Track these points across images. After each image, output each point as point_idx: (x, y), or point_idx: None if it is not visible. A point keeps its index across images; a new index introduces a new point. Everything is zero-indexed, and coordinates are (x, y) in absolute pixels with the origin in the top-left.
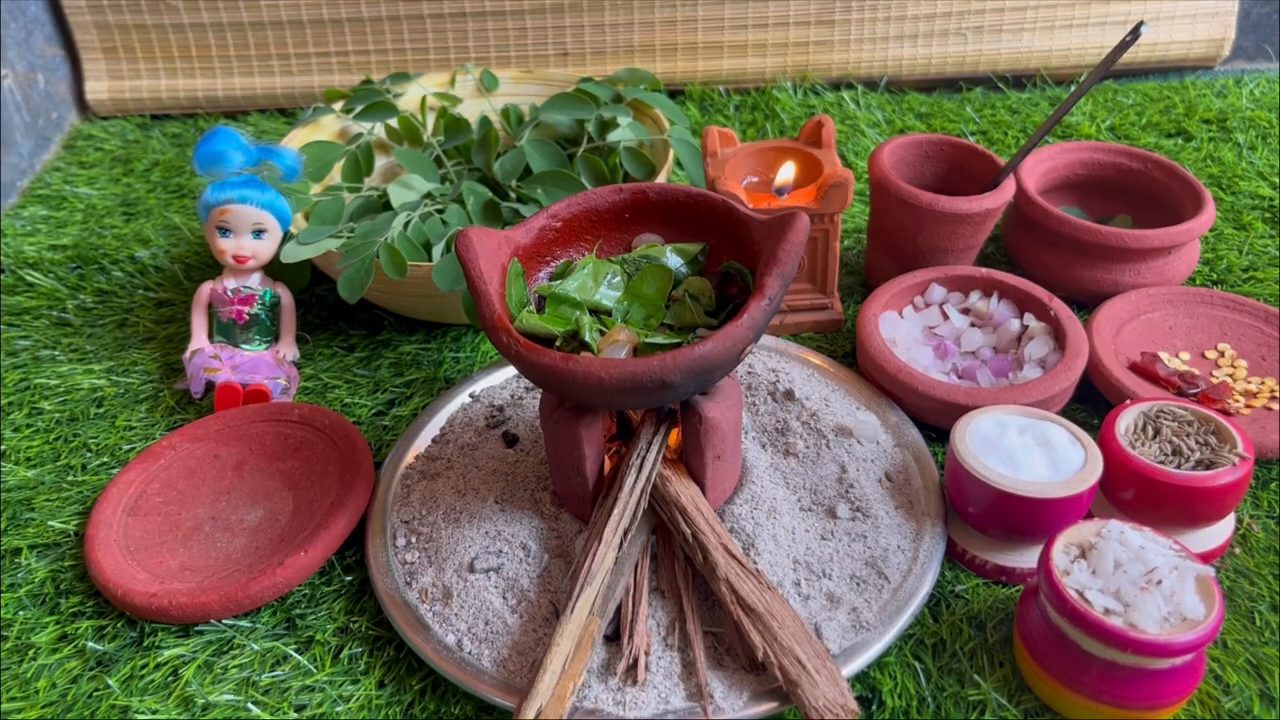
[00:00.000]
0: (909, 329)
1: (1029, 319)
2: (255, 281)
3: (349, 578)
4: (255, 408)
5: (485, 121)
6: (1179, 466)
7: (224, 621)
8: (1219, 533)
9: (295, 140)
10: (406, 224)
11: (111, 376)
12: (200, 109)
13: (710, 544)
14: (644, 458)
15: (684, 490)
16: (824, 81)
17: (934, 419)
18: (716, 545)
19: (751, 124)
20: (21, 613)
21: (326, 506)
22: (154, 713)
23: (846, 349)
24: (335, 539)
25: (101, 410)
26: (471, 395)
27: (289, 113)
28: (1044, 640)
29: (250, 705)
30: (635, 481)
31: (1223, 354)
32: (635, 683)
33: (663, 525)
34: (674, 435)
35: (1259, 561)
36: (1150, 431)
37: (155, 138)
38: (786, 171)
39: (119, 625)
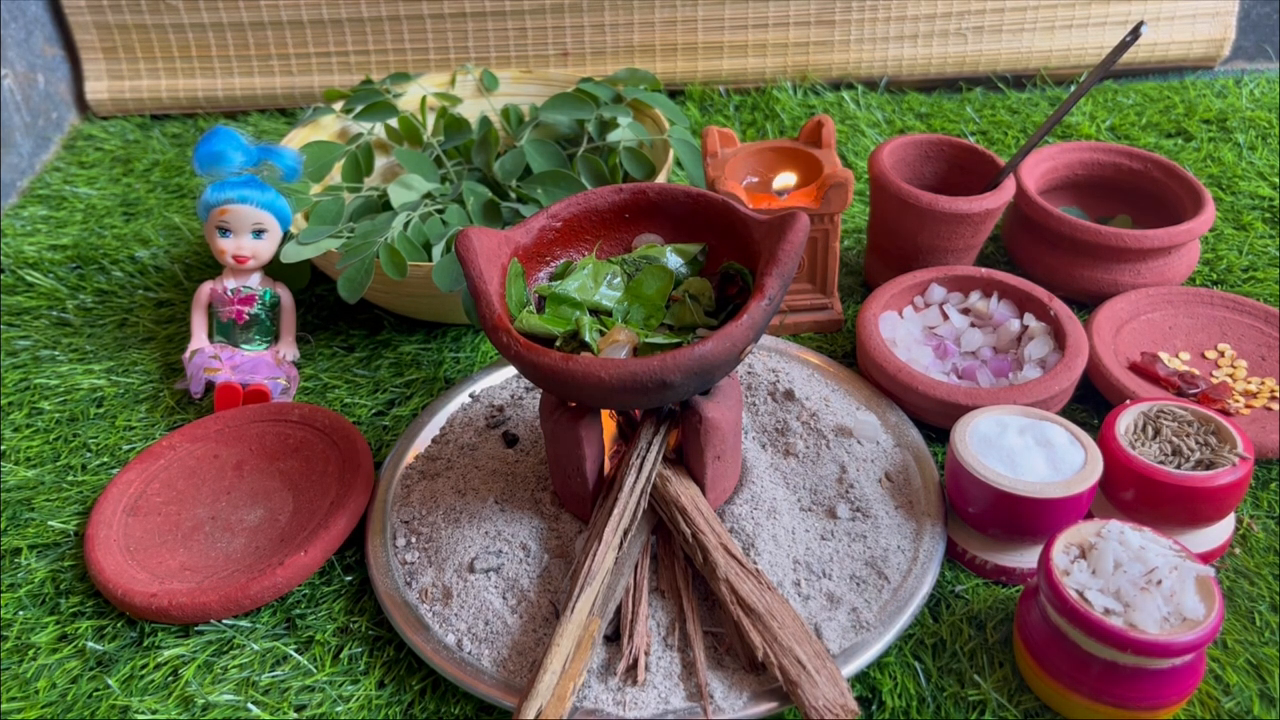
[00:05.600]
0: (909, 329)
1: (1029, 319)
2: (255, 281)
3: (349, 578)
4: (255, 408)
5: (485, 121)
6: (1179, 466)
7: (224, 621)
8: (1219, 533)
9: (295, 140)
10: (406, 224)
11: (111, 376)
12: (200, 109)
13: (710, 544)
14: (644, 458)
15: (684, 490)
16: (824, 81)
17: (934, 419)
18: (716, 545)
19: (751, 124)
20: (21, 613)
21: (326, 506)
22: (154, 713)
23: (846, 349)
24: (335, 539)
25: (101, 410)
26: (471, 395)
27: (289, 113)
28: (1044, 640)
29: (250, 705)
30: (635, 481)
31: (1223, 354)
32: (635, 683)
33: (663, 525)
34: (674, 435)
35: (1259, 561)
36: (1150, 431)
37: (155, 138)
38: (786, 178)
39: (119, 625)
